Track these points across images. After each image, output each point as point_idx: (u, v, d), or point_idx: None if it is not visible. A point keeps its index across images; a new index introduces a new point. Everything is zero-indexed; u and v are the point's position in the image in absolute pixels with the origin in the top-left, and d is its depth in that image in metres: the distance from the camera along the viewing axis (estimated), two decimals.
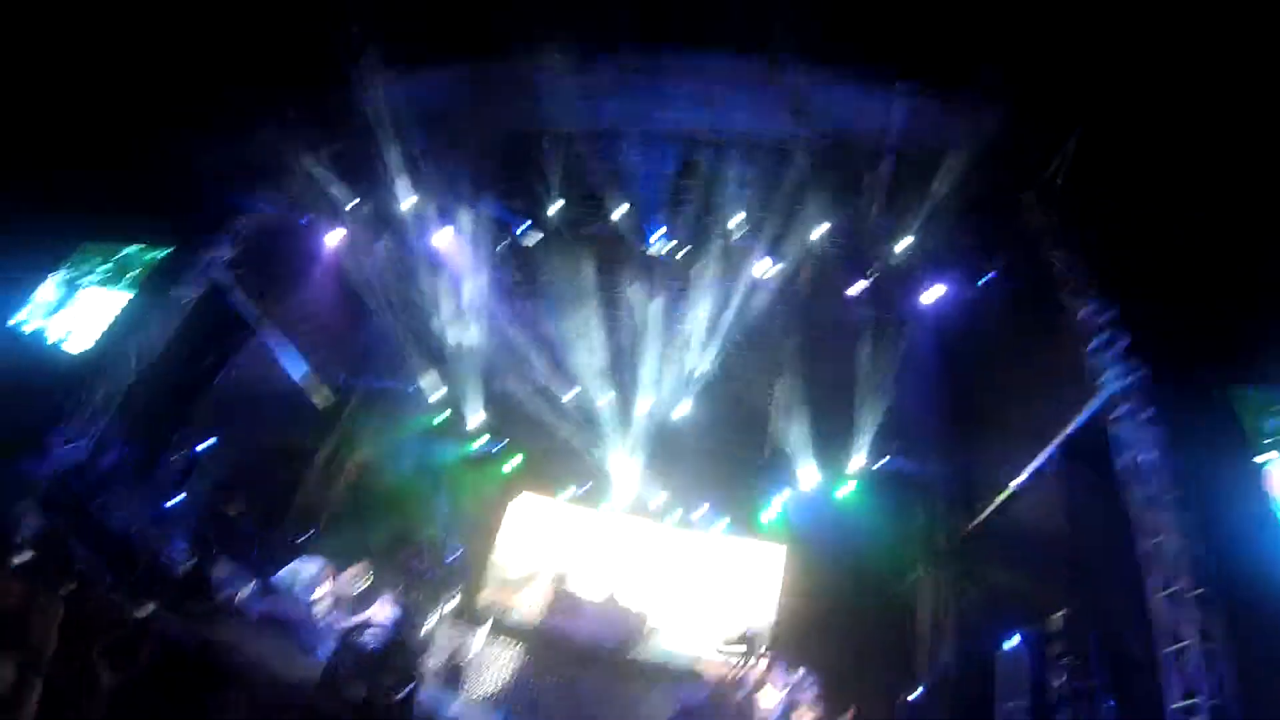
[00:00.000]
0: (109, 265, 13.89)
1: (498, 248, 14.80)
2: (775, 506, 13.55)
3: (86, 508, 8.60)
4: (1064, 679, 8.65)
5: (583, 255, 13.92)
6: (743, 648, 10.06)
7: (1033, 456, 10.70)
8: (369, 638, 6.19)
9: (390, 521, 12.85)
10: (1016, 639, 9.87)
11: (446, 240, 14.18)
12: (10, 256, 12.82)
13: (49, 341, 13.34)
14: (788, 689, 9.24)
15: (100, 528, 7.54)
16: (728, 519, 13.54)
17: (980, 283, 12.31)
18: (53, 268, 13.79)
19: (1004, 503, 11.38)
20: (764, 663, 9.69)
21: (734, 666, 9.78)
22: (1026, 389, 11.14)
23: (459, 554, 12.42)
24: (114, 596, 5.93)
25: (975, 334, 12.52)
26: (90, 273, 13.88)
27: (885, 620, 12.05)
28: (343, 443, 14.69)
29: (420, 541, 12.41)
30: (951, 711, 11.00)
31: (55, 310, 13.62)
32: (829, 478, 13.15)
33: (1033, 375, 11.05)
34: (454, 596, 11.71)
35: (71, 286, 13.80)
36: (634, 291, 14.12)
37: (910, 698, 11.06)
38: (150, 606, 5.60)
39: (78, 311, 13.52)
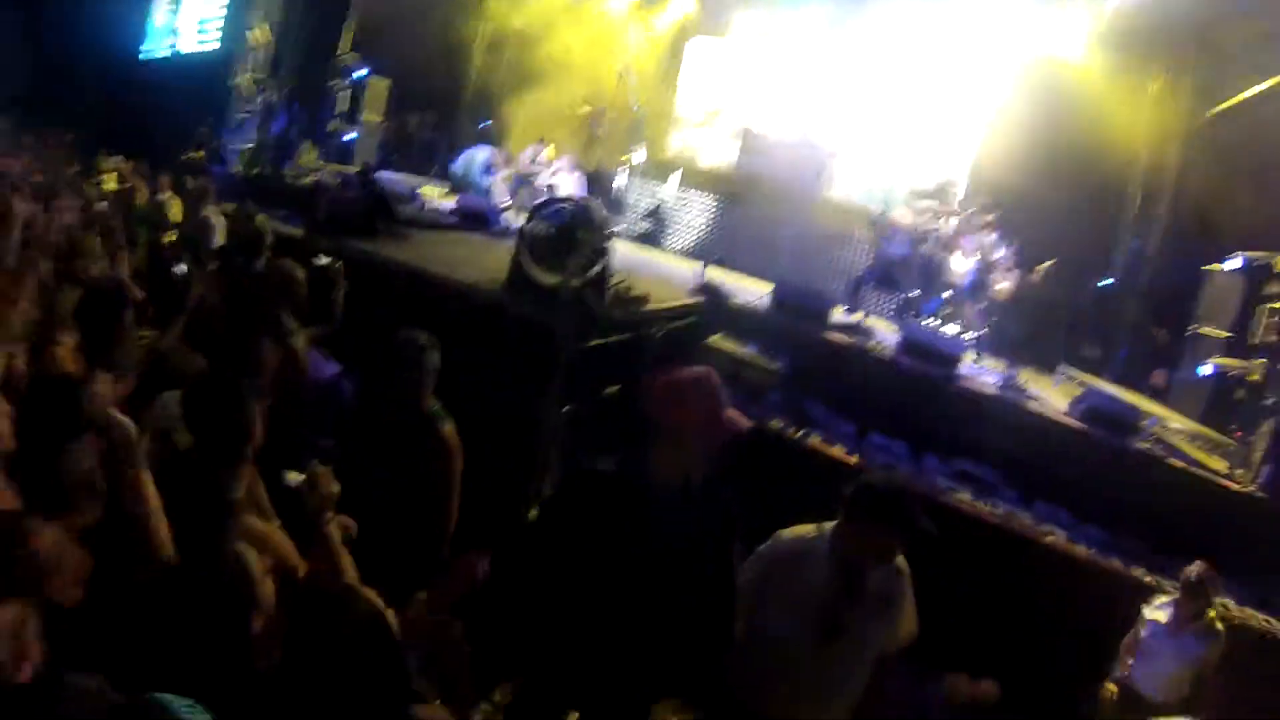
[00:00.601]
0: None
1: None
2: None
3: (274, 175, 8.68)
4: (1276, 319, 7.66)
5: None
6: (934, 202, 9.10)
7: None
8: (551, 215, 5.82)
9: (560, 90, 12.20)
10: (1238, 261, 8.78)
11: None
12: None
13: (184, 53, 13.73)
14: (979, 251, 8.69)
15: (289, 188, 7.52)
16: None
17: None
18: None
19: (1267, 93, 8.46)
20: (954, 221, 8.74)
21: (924, 220, 9.00)
22: None
23: (639, 109, 11.89)
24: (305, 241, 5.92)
25: None
26: None
27: (1089, 199, 10.53)
28: (496, 20, 13.59)
29: (597, 105, 11.92)
30: (1141, 307, 10.25)
31: (173, 28, 14.00)
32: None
33: None
34: (639, 152, 11.45)
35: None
36: None
37: (1101, 283, 10.21)
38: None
39: (191, 16, 13.84)
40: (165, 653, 1.69)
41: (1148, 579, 5.27)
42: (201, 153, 10.84)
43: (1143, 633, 4.62)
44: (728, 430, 2.48)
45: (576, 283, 5.44)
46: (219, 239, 6.22)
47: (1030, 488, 6.11)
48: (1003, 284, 8.48)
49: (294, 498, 2.35)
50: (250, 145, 11.65)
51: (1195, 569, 4.47)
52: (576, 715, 2.67)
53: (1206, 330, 8.80)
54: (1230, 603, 5.10)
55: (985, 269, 8.47)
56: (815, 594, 2.66)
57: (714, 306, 7.53)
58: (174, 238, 6.54)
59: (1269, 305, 7.90)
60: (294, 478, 2.37)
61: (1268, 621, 5.19)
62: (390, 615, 1.79)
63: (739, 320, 7.45)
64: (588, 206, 6.01)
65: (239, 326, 3.74)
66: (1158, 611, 4.61)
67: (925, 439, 6.35)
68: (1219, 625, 4.51)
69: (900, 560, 2.75)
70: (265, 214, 6.10)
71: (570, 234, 5.59)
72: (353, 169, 9.58)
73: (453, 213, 9.18)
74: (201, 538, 1.95)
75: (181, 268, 4.39)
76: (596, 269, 5.64)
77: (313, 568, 2.28)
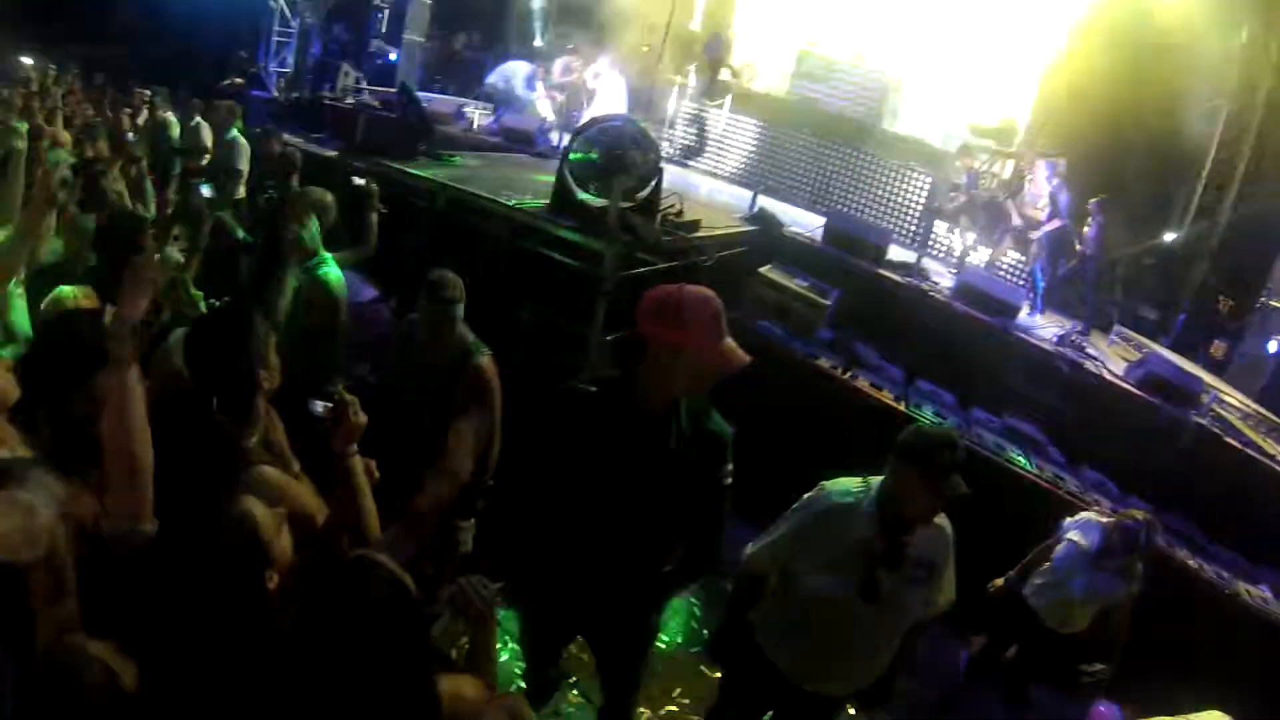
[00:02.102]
0: None
1: None
2: None
3: (313, 98, 8.40)
4: None
5: None
6: (991, 142, 8.57)
7: None
8: (598, 135, 5.52)
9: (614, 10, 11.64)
10: None
11: None
12: None
13: None
14: (1043, 199, 8.29)
15: (328, 110, 7.27)
16: None
17: None
18: None
19: None
20: (1010, 164, 8.26)
21: (983, 161, 8.52)
22: None
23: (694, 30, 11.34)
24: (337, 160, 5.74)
25: None
26: None
27: (1162, 151, 9.94)
28: None
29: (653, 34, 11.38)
30: (1207, 272, 9.64)
31: None
32: None
33: None
34: (692, 73, 10.97)
35: None
36: None
37: (1168, 237, 9.61)
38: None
39: None
40: (176, 616, 1.61)
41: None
42: (241, 79, 10.59)
43: (1058, 550, 4.22)
44: (723, 362, 2.28)
45: (624, 206, 5.19)
46: (245, 164, 6.08)
47: (1078, 451, 5.89)
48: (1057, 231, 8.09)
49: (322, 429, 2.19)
50: (290, 69, 11.31)
51: (1141, 515, 4.08)
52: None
53: (1278, 303, 8.36)
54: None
55: (1050, 217, 8.06)
56: (856, 552, 2.51)
57: (765, 236, 7.25)
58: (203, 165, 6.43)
59: None
60: (322, 406, 2.21)
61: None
62: (410, 581, 1.65)
63: (790, 252, 7.20)
64: (636, 126, 5.70)
65: (262, 256, 3.67)
66: (1080, 535, 4.17)
67: (975, 389, 6.11)
68: (1139, 568, 4.11)
69: (945, 525, 2.60)
70: (300, 137, 6.07)
71: (618, 156, 5.32)
72: (393, 90, 9.26)
73: (497, 133, 8.90)
74: (206, 493, 1.80)
75: (204, 192, 4.25)
76: (645, 192, 5.39)
77: (334, 510, 2.14)
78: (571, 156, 5.49)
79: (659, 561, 2.56)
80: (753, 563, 2.76)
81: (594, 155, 5.44)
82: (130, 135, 6.73)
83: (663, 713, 3.88)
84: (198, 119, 7.09)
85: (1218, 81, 9.83)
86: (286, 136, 6.44)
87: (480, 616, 1.94)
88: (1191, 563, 5.09)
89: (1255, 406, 7.52)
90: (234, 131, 6.39)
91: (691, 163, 10.67)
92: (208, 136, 6.86)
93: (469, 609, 1.93)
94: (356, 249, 4.37)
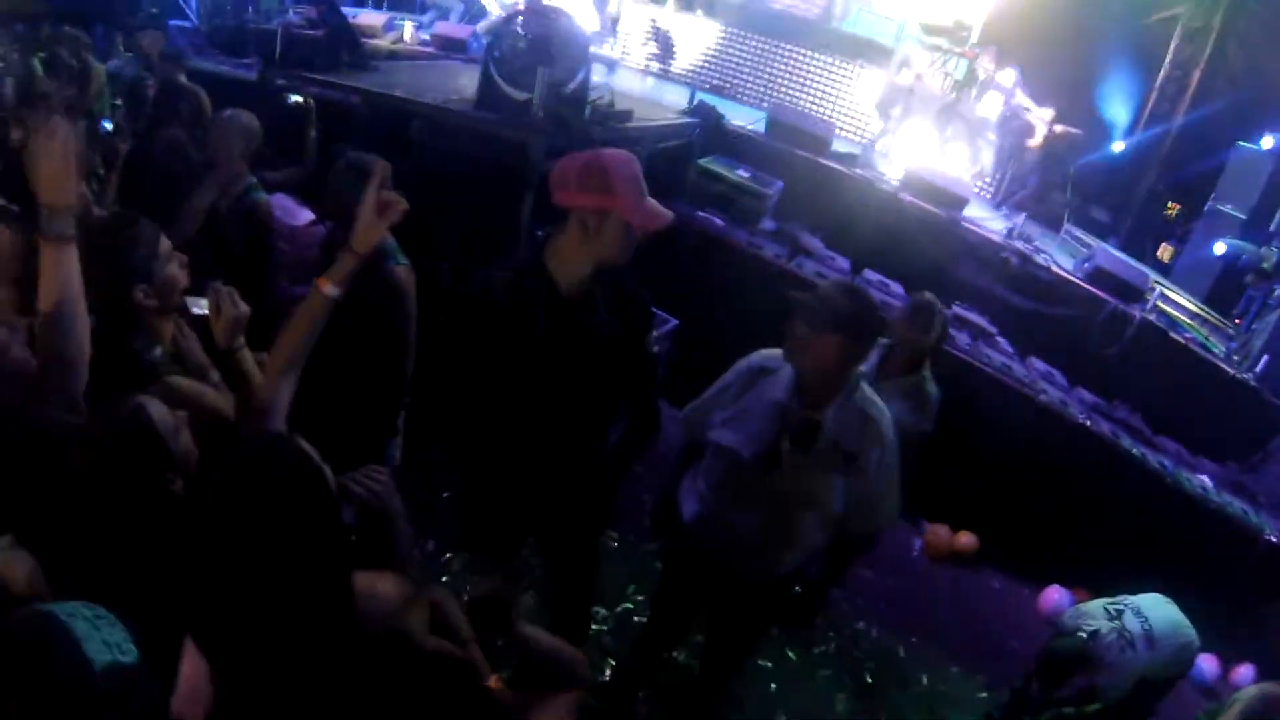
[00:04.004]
0: None
1: None
2: None
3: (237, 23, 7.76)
4: None
5: None
6: (943, 40, 8.24)
7: None
8: (522, 27, 5.15)
9: None
10: (1270, 141, 8.25)
11: None
12: None
13: None
14: (1000, 97, 8.04)
15: (253, 33, 6.70)
16: None
17: None
18: None
19: None
20: (964, 63, 8.04)
21: (934, 60, 8.34)
22: None
23: None
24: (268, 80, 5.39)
25: None
26: None
27: (1117, 55, 9.80)
28: None
29: None
30: (1158, 176, 9.63)
31: None
32: None
33: None
34: None
35: None
36: None
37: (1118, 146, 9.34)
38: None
39: None
40: (78, 523, 1.56)
41: None
42: (156, 9, 9.72)
43: None
44: (650, 221, 2.18)
45: (550, 98, 4.93)
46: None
47: (1026, 343, 5.75)
48: (1031, 138, 7.92)
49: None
50: None
51: (928, 295, 3.45)
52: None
53: (1224, 208, 8.30)
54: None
55: (1011, 115, 7.80)
56: (768, 415, 2.37)
57: (706, 129, 6.89)
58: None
59: None
60: (202, 304, 2.12)
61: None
62: (327, 469, 1.48)
63: (732, 144, 6.89)
64: (562, 16, 5.32)
65: (175, 183, 3.53)
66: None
67: (922, 280, 5.89)
68: (930, 388, 3.39)
69: (881, 423, 2.35)
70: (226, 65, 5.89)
71: (543, 47, 5.01)
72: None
73: (427, 42, 8.32)
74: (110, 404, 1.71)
75: (105, 125, 4.36)
76: (573, 84, 5.13)
77: (237, 410, 2.04)
78: (495, 48, 5.15)
79: (599, 442, 2.52)
80: (685, 424, 2.64)
81: (519, 46, 5.09)
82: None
83: (619, 610, 3.73)
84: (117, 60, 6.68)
85: None
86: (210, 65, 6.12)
87: (381, 508, 1.78)
88: (1135, 451, 5.01)
89: (1201, 308, 7.47)
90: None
91: (636, 63, 10.13)
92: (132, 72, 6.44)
93: (368, 501, 1.76)
94: (294, 169, 4.26)
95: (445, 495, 3.83)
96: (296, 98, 4.61)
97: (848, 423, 2.32)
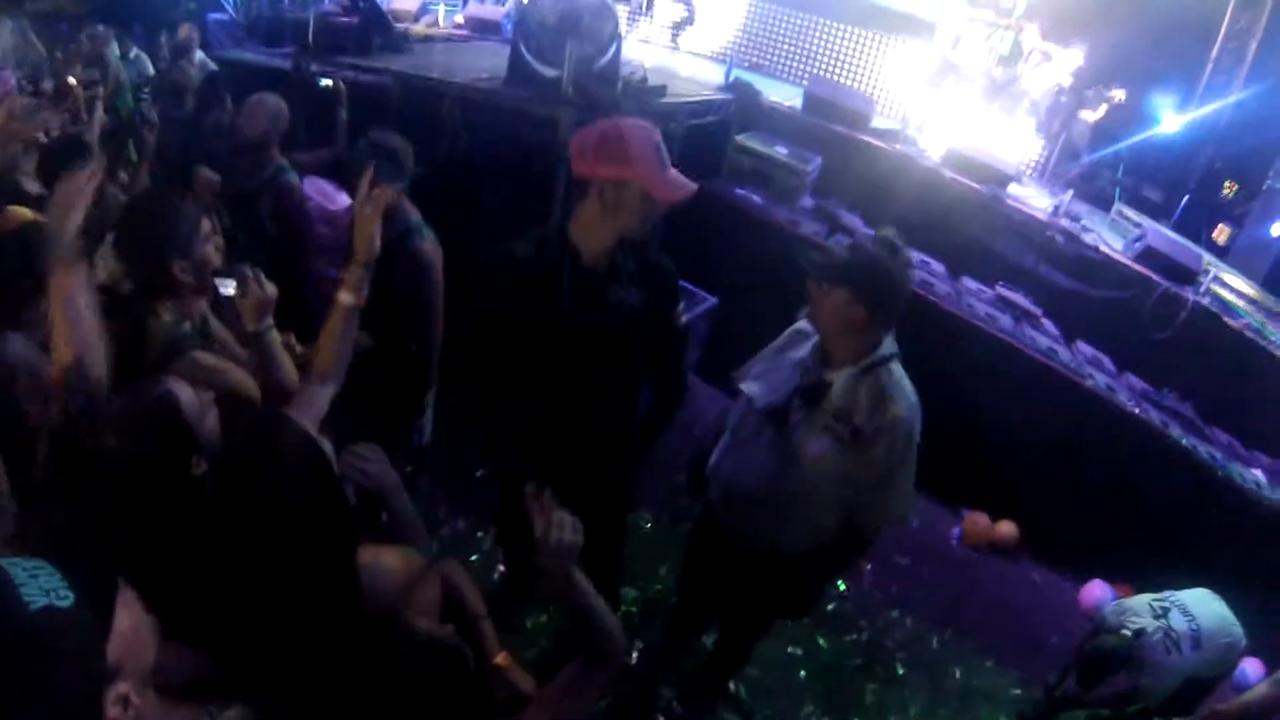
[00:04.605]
0: None
1: None
2: None
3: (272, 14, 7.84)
4: None
5: None
6: (988, 13, 8.00)
7: None
8: (551, 2, 5.08)
9: None
10: None
11: None
12: None
13: None
14: (1048, 70, 7.75)
15: (290, 23, 6.76)
16: None
17: None
18: None
19: None
20: (1010, 36, 7.76)
21: (980, 34, 8.08)
22: None
23: None
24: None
25: None
26: None
27: (1171, 26, 8.93)
28: None
29: None
30: (1215, 154, 8.98)
31: None
32: None
33: None
34: None
35: None
36: None
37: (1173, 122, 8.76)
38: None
39: None
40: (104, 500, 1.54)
41: None
42: (194, 3, 9.84)
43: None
44: (672, 191, 2.17)
45: (581, 73, 4.87)
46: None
47: (1073, 325, 5.56)
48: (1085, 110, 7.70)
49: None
50: None
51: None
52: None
53: None
54: None
55: (1059, 93, 7.56)
56: (789, 371, 2.41)
57: (742, 105, 6.74)
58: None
59: None
60: (230, 286, 2.16)
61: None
62: (328, 444, 1.57)
63: (769, 120, 6.71)
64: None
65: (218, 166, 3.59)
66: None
67: (966, 259, 5.73)
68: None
69: (899, 415, 2.26)
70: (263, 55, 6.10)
71: (573, 22, 4.94)
72: None
73: (460, 25, 8.33)
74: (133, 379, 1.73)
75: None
76: (605, 60, 5.03)
77: (263, 390, 2.05)
78: (524, 25, 5.12)
79: (627, 414, 2.53)
80: (733, 377, 2.64)
81: (549, 22, 5.02)
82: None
83: (651, 591, 3.70)
84: (135, 50, 7.06)
85: None
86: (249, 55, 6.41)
87: (376, 487, 1.81)
88: (1185, 442, 4.82)
89: (1257, 292, 7.18)
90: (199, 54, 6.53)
91: (673, 41, 10.01)
92: (148, 66, 6.98)
93: (359, 481, 1.79)
94: (324, 150, 4.33)
95: (478, 474, 3.81)
96: (326, 81, 4.69)
97: (861, 397, 2.27)
